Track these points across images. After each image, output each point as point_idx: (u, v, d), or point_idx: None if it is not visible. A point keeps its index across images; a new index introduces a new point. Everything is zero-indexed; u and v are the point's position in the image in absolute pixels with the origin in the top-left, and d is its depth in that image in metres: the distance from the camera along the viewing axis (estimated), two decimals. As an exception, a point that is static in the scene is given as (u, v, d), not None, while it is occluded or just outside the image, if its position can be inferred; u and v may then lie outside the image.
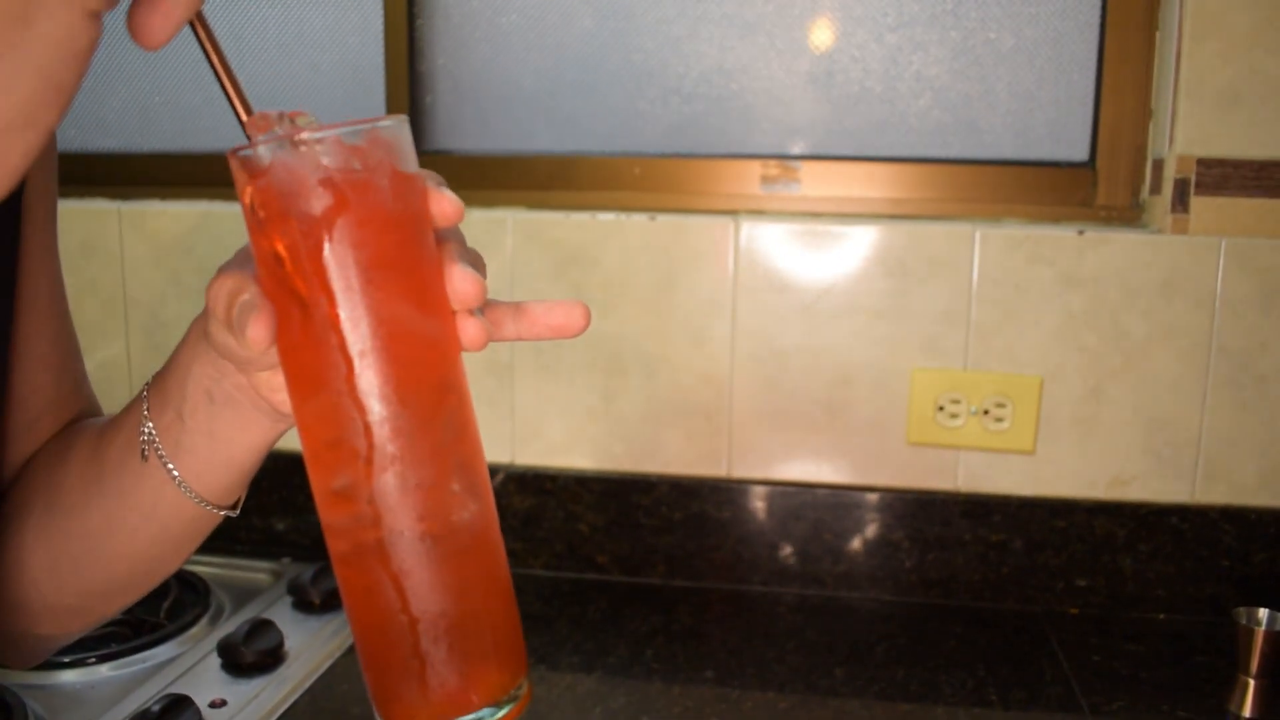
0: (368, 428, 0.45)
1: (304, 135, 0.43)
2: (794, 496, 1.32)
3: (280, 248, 0.44)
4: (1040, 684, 1.11)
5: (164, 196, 1.46)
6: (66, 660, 1.08)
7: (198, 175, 1.50)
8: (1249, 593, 1.24)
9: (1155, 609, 1.28)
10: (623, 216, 1.32)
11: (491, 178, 1.42)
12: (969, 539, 1.30)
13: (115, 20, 0.40)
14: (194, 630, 1.19)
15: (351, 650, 1.15)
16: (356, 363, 0.44)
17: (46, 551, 0.60)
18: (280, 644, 1.12)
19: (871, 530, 1.31)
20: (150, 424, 0.56)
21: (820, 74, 1.36)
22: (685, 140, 1.40)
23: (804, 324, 1.30)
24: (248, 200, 0.45)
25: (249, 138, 0.45)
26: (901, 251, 1.27)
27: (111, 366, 1.46)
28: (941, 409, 1.28)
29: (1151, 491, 1.28)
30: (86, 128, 1.54)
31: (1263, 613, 1.07)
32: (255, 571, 1.36)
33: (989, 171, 1.33)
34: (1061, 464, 1.28)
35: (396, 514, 0.45)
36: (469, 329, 0.47)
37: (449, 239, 0.48)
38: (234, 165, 0.45)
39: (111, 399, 1.60)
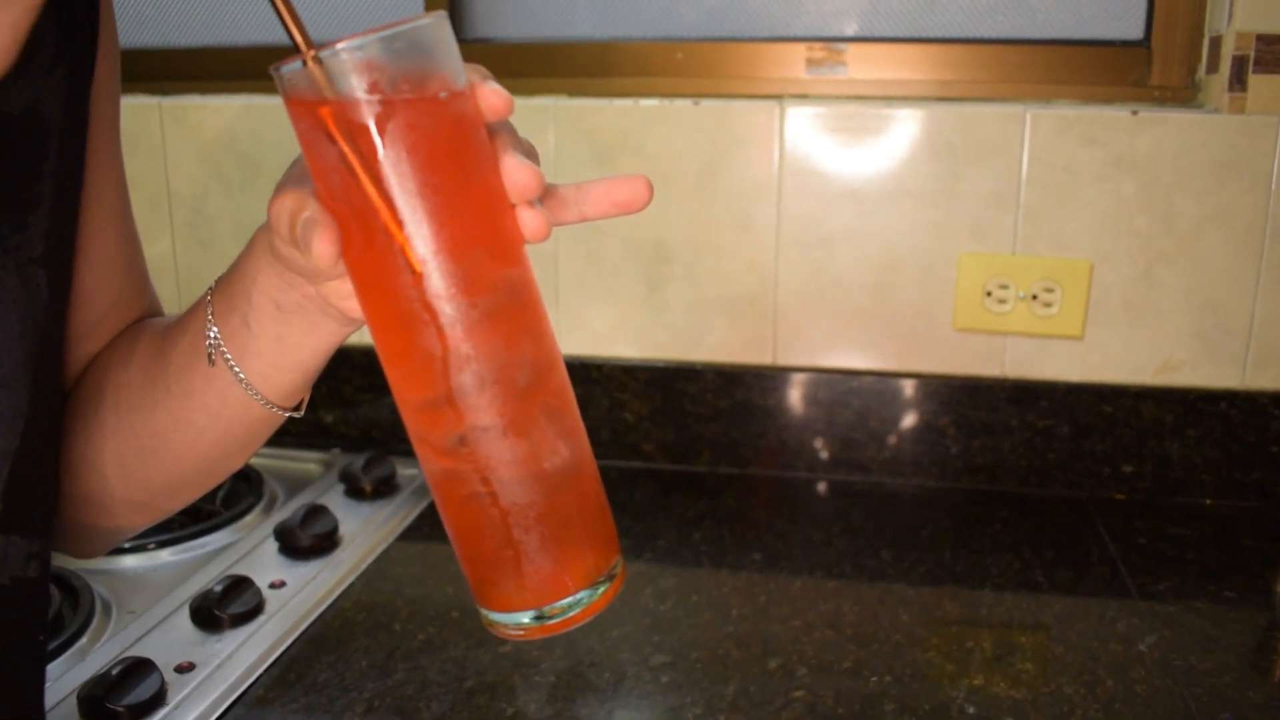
0: (440, 331, 0.45)
1: (343, 45, 0.42)
2: (839, 384, 1.32)
3: (334, 161, 0.44)
4: (1087, 565, 1.12)
5: (204, 91, 1.45)
6: (127, 547, 1.11)
7: (237, 68, 1.48)
8: (1298, 477, 1.24)
9: (1202, 494, 1.28)
10: (666, 103, 1.30)
11: (532, 66, 1.40)
12: (1015, 425, 1.29)
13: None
14: (249, 518, 1.21)
15: (405, 535, 1.17)
16: (422, 268, 0.45)
17: (115, 449, 0.61)
18: (335, 529, 1.14)
19: (917, 417, 1.31)
20: (215, 328, 0.56)
21: (867, -48, 1.32)
22: (728, 24, 1.37)
23: (850, 209, 1.29)
24: (296, 116, 0.45)
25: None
26: (950, 134, 1.25)
27: (158, 263, 1.46)
28: (989, 294, 1.27)
29: (1201, 377, 1.26)
30: (124, 22, 1.52)
31: (1314, 493, 1.06)
32: (306, 462, 1.38)
33: (1040, 51, 1.29)
34: (1110, 349, 1.27)
35: (477, 412, 0.46)
36: (529, 221, 0.47)
37: (500, 132, 0.48)
38: (279, 83, 0.44)
39: (160, 296, 1.61)
